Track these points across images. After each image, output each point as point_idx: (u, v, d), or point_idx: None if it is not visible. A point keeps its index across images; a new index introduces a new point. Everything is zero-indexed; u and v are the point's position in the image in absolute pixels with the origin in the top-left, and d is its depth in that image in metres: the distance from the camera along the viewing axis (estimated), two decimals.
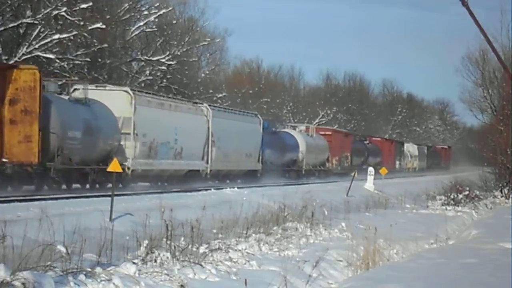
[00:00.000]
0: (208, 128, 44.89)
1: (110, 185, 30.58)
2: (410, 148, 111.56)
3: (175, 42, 62.83)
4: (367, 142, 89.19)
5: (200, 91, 69.23)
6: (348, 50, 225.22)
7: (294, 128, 65.90)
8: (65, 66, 46.49)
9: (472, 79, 78.88)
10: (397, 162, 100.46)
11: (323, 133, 71.16)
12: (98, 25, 47.11)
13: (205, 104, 46.20)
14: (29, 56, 44.33)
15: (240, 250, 17.29)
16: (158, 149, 38.60)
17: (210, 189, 33.11)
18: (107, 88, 37.82)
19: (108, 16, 51.04)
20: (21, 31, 45.40)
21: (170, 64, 60.67)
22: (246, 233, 20.05)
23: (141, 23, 58.77)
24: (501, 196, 44.46)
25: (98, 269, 13.00)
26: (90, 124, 33.36)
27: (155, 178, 39.91)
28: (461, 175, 62.91)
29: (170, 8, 62.95)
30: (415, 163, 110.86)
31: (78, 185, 33.90)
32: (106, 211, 20.06)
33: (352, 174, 45.02)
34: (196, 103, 45.96)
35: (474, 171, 72.50)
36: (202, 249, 16.30)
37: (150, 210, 19.00)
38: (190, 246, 16.03)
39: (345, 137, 77.67)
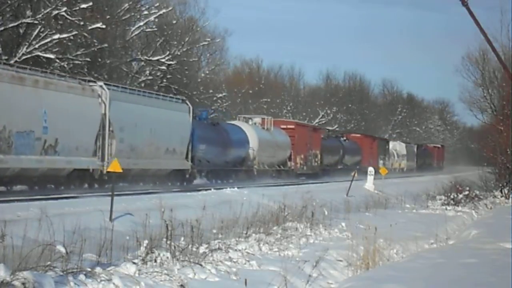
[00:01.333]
0: (104, 114, 34.91)
1: None
2: (397, 146, 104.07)
3: (175, 42, 62.85)
4: (344, 138, 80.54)
5: (200, 91, 69.25)
6: (348, 50, 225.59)
7: (247, 120, 56.25)
8: (65, 66, 46.48)
9: (472, 79, 78.90)
10: (381, 162, 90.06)
11: (284, 126, 61.15)
12: (98, 25, 47.12)
13: (100, 83, 36.03)
14: (29, 56, 44.33)
15: (240, 250, 17.29)
16: (12, 140, 28.88)
17: (210, 189, 33.14)
18: None
19: (108, 16, 51.04)
20: (21, 31, 45.40)
21: (170, 64, 60.68)
22: (246, 233, 20.04)
23: (141, 23, 58.80)
24: (501, 196, 44.44)
25: (98, 269, 13.00)
26: None
27: (14, 180, 30.63)
28: (455, 176, 60.25)
29: (170, 8, 62.98)
30: (403, 163, 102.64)
31: None
32: (106, 211, 20.08)
33: (352, 174, 44.99)
34: (85, 80, 35.62)
35: (471, 171, 72.49)
36: (202, 249, 16.30)
37: (150, 210, 18.99)
38: (190, 246, 16.03)
39: (313, 132, 67.17)
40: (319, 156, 67.27)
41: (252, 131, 53.20)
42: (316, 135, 67.78)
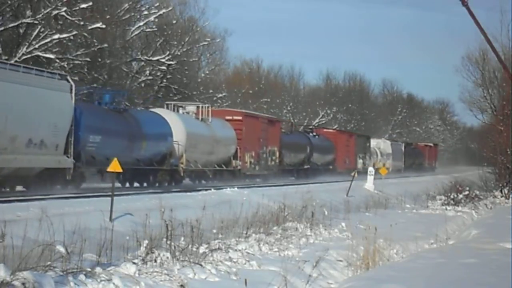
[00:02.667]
0: None
1: None
2: (381, 144, 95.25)
3: (175, 42, 62.87)
4: (314, 134, 69.46)
5: (200, 91, 69.26)
6: (348, 50, 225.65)
7: (177, 108, 45.78)
8: (65, 66, 46.50)
9: (472, 79, 78.92)
10: (360, 161, 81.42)
11: (229, 117, 50.24)
12: (98, 25, 47.14)
13: None
14: (29, 56, 44.34)
15: (240, 250, 17.29)
16: None
17: (210, 189, 33.14)
18: None
19: (108, 16, 51.06)
20: (21, 31, 45.41)
21: (170, 64, 60.71)
22: (246, 233, 20.05)
23: (141, 23, 58.82)
24: (501, 196, 44.47)
25: (98, 269, 13.00)
26: None
27: None
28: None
29: (170, 8, 63.01)
30: (388, 163, 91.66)
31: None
32: (106, 211, 20.07)
33: (352, 174, 44.97)
34: None
35: (471, 171, 72.45)
36: (202, 249, 16.30)
37: (150, 210, 19.00)
38: (190, 246, 16.04)
39: (269, 125, 55.87)
40: (277, 154, 56.46)
41: (178, 121, 41.77)
42: (274, 129, 56.81)
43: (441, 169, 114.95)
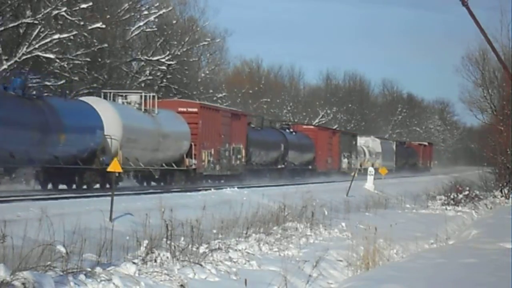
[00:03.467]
0: None
1: None
2: (370, 142, 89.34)
3: (175, 42, 62.86)
4: (291, 130, 63.57)
5: (200, 91, 69.25)
6: (348, 50, 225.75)
7: (118, 96, 38.60)
8: (65, 66, 46.50)
9: (472, 79, 78.85)
10: (345, 161, 75.80)
11: (182, 109, 43.67)
12: (98, 25, 47.15)
13: None
14: (29, 56, 44.35)
15: (240, 250, 17.29)
16: None
17: (210, 189, 33.14)
18: None
19: (108, 16, 51.07)
20: (21, 31, 45.42)
21: (170, 64, 60.70)
22: (246, 233, 20.05)
23: (141, 23, 58.81)
24: (501, 196, 44.47)
25: (98, 269, 13.00)
26: None
27: None
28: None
29: (170, 8, 62.98)
30: (377, 163, 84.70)
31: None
32: (106, 211, 20.07)
33: (352, 174, 44.96)
34: None
35: (471, 171, 72.39)
36: (202, 249, 16.30)
37: (150, 210, 18.99)
38: (190, 246, 16.03)
39: (233, 120, 49.10)
40: (243, 152, 49.73)
41: (112, 112, 35.42)
42: (239, 123, 49.83)
43: (440, 169, 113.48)
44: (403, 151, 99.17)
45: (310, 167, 65.77)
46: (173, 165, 40.98)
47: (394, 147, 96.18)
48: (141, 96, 39.27)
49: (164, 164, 40.19)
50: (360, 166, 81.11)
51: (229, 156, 47.77)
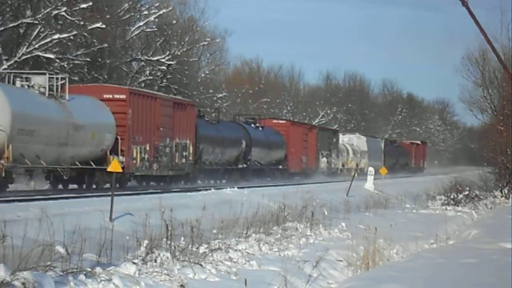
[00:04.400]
0: None
1: None
2: (354, 140, 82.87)
3: (175, 42, 62.86)
4: (257, 125, 56.30)
5: (200, 91, 69.26)
6: (348, 50, 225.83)
7: (15, 78, 31.58)
8: (65, 66, 46.49)
9: (472, 79, 78.88)
10: (323, 160, 68.72)
11: (108, 96, 36.17)
12: (98, 25, 47.14)
13: None
14: (29, 56, 44.35)
15: (240, 250, 17.29)
16: None
17: (210, 189, 33.13)
18: None
19: (108, 16, 51.06)
20: (21, 31, 45.41)
21: (170, 64, 60.69)
22: (246, 233, 20.05)
23: (141, 23, 58.81)
24: (501, 196, 44.47)
25: (98, 269, 13.00)
26: None
27: None
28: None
29: (170, 8, 62.99)
30: (363, 162, 79.78)
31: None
32: (106, 211, 20.08)
33: (352, 174, 44.96)
34: None
35: (471, 171, 72.39)
36: (202, 249, 16.30)
37: (150, 210, 19.00)
38: (190, 246, 16.04)
39: (177, 110, 41.31)
40: (190, 148, 42.48)
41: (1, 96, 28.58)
42: (185, 115, 42.40)
43: (439, 169, 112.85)
44: (393, 150, 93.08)
45: (280, 166, 58.43)
46: (92, 163, 33.58)
47: (382, 145, 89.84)
48: (49, 78, 31.76)
49: (78, 163, 32.70)
50: (343, 166, 76.23)
51: (171, 153, 40.21)
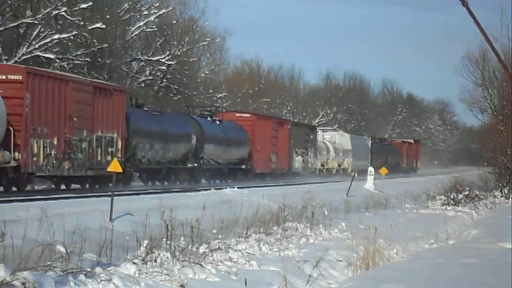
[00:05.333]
0: None
1: None
2: (337, 137, 76.51)
3: (175, 42, 62.85)
4: (214, 118, 49.12)
5: (200, 91, 69.24)
6: (348, 50, 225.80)
7: None
8: (65, 66, 46.48)
9: (472, 79, 79.00)
10: (298, 159, 61.63)
11: (1, 77, 29.72)
12: (98, 25, 47.12)
13: None
14: (29, 56, 44.34)
15: (240, 250, 17.29)
16: None
17: (210, 189, 33.13)
18: None
19: (108, 16, 51.03)
20: (21, 31, 45.40)
21: (170, 64, 60.68)
22: (246, 233, 20.05)
23: (141, 23, 58.79)
24: (501, 196, 44.48)
25: (98, 269, 13.00)
26: None
27: None
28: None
29: (170, 8, 62.98)
30: (346, 162, 74.34)
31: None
32: (106, 211, 20.08)
33: (352, 174, 44.93)
34: None
35: (471, 171, 72.39)
36: (202, 249, 16.31)
37: (150, 210, 19.00)
38: (190, 246, 16.04)
39: (100, 97, 34.93)
40: (119, 143, 36.01)
41: None
42: (110, 102, 35.63)
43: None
44: (382, 149, 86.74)
45: (243, 166, 51.42)
46: None
47: (369, 144, 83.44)
48: None
49: None
50: (322, 165, 70.14)
51: (89, 149, 33.72)
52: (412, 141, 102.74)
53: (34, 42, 44.71)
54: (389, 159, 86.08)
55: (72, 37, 46.63)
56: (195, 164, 44.50)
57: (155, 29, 60.43)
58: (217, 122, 49.33)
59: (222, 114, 51.84)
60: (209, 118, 48.66)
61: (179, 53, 62.14)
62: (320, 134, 72.16)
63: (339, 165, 73.61)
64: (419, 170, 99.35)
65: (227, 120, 51.27)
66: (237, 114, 55.21)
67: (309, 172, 64.15)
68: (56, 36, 45.24)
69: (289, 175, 59.38)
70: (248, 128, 52.71)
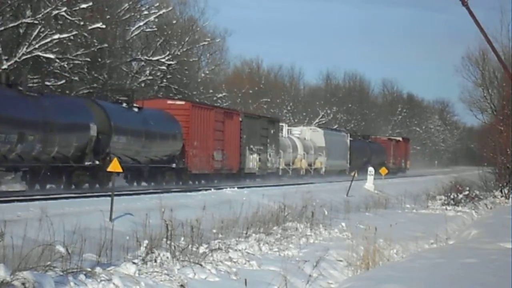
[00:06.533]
0: None
1: None
2: (307, 133, 67.17)
3: (175, 42, 62.87)
4: (131, 105, 38.94)
5: (200, 91, 69.23)
6: (348, 50, 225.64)
7: None
8: (65, 66, 46.48)
9: (472, 79, 79.03)
10: (253, 157, 52.02)
11: None
12: (98, 25, 47.11)
13: None
14: (29, 56, 44.33)
15: (240, 250, 17.29)
16: None
17: (210, 189, 33.13)
18: None
19: (108, 16, 51.04)
20: (21, 31, 45.38)
21: (170, 64, 60.69)
22: (246, 233, 20.06)
23: (141, 23, 58.80)
24: (501, 196, 44.46)
25: (98, 269, 13.00)
26: None
27: None
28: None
29: (170, 8, 63.00)
30: (319, 161, 65.95)
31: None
32: (106, 211, 20.09)
33: (352, 174, 44.96)
34: None
35: (470, 171, 72.36)
36: (202, 249, 16.31)
37: (150, 210, 19.01)
38: (190, 246, 16.04)
39: None
40: None
41: None
42: None
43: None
44: (364, 147, 79.08)
45: (173, 165, 41.12)
46: None
47: (347, 141, 74.86)
48: None
49: None
50: (288, 165, 60.73)
51: None
52: (400, 139, 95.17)
53: (34, 42, 44.70)
54: (372, 158, 78.46)
55: (72, 37, 46.62)
56: (97, 162, 34.10)
57: (155, 29, 60.44)
58: (135, 109, 38.84)
59: (143, 102, 40.94)
60: (124, 105, 38.50)
61: (179, 53, 62.16)
62: (285, 128, 64.15)
63: (309, 165, 64.77)
64: (408, 171, 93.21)
65: (154, 108, 41.25)
66: (169, 102, 45.05)
67: (268, 173, 55.33)
68: (56, 36, 45.23)
69: (240, 177, 50.47)
70: (181, 118, 42.56)
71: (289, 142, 62.54)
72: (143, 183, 39.65)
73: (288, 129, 65.70)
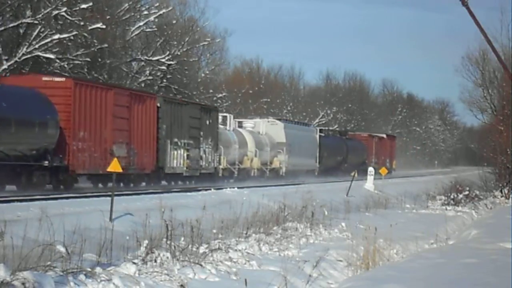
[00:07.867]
0: None
1: None
2: (261, 127, 55.63)
3: (175, 42, 62.86)
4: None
5: (200, 91, 69.23)
6: (348, 50, 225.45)
7: None
8: (65, 66, 46.49)
9: (472, 79, 79.00)
10: (179, 154, 41.29)
11: None
12: (98, 25, 47.13)
13: None
14: (29, 56, 44.35)
15: (240, 250, 17.29)
16: None
17: (210, 189, 33.13)
18: None
19: (108, 16, 51.05)
20: (21, 31, 45.40)
21: (170, 64, 60.70)
22: (246, 233, 20.05)
23: (141, 23, 58.81)
24: (501, 196, 44.47)
25: (98, 269, 13.00)
26: None
27: None
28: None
29: (170, 8, 63.00)
30: (278, 160, 55.55)
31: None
32: (106, 211, 20.08)
33: (352, 174, 44.95)
34: None
35: (470, 171, 72.33)
36: (202, 249, 16.31)
37: (150, 210, 19.01)
38: (190, 246, 16.04)
39: None
40: None
41: None
42: None
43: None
44: (338, 145, 69.53)
45: (45, 163, 30.41)
46: None
47: (317, 136, 64.59)
48: None
49: None
50: (233, 164, 49.61)
51: None
52: (384, 135, 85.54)
53: (34, 42, 44.72)
54: (349, 157, 70.26)
55: (72, 37, 46.64)
56: None
57: (155, 29, 60.45)
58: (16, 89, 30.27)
59: (9, 78, 33.99)
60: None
61: (179, 53, 62.16)
62: (231, 120, 52.12)
63: (264, 164, 54.00)
64: (395, 172, 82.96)
65: (14, 86, 31.07)
66: (45, 78, 33.37)
67: (201, 174, 44.43)
68: (56, 36, 45.26)
69: (156, 178, 40.22)
70: (61, 100, 32.23)
71: (235, 137, 50.93)
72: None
73: (236, 121, 55.17)
